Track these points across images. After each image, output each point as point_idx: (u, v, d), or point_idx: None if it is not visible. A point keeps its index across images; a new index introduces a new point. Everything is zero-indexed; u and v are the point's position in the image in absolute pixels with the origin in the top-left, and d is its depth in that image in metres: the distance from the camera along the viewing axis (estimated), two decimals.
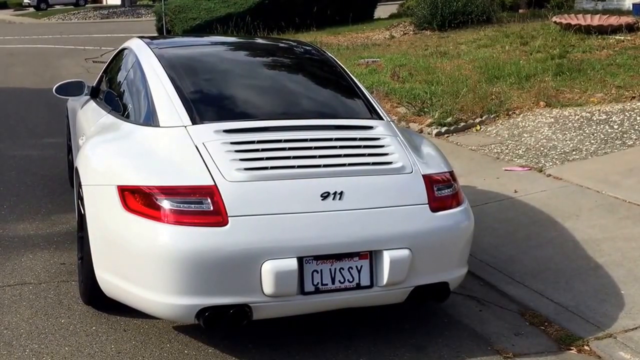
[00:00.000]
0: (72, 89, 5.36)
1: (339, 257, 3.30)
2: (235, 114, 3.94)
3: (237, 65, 4.66)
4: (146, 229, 3.21)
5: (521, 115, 8.39)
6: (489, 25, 15.59)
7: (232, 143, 3.47)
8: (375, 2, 23.31)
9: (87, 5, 53.38)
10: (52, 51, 21.03)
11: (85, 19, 41.74)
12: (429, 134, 8.16)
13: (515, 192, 6.05)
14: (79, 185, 3.92)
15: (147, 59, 4.32)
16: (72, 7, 52.56)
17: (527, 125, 8.04)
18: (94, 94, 5.26)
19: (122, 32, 28.55)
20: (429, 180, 3.60)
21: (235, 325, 3.31)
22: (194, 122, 3.63)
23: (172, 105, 3.78)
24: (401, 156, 3.66)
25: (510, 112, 8.50)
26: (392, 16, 22.79)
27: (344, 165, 3.49)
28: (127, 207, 3.29)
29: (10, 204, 5.92)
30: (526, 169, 6.71)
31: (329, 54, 5.04)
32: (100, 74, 5.60)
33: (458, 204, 3.68)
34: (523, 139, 7.63)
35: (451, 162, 4.08)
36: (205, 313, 3.20)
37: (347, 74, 4.62)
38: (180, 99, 3.81)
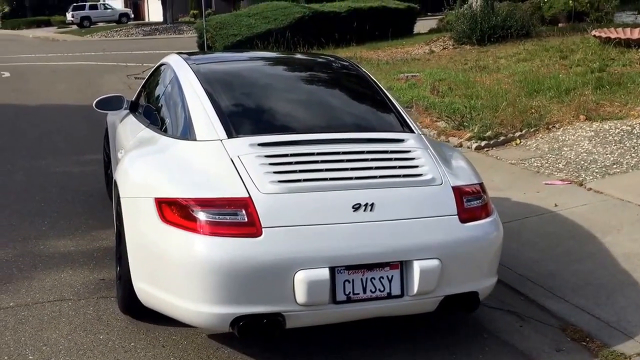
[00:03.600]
0: (112, 103, 5.47)
1: (370, 267, 3.35)
2: (270, 127, 4.00)
3: (272, 80, 4.76)
4: (183, 240, 3.29)
5: (561, 129, 8.27)
6: (529, 40, 15.48)
7: (266, 156, 3.53)
8: (415, 17, 23.32)
9: (129, 23, 54.43)
10: (94, 68, 21.44)
11: (128, 36, 42.49)
12: (468, 147, 8.09)
13: (556, 206, 5.94)
14: (118, 198, 4.01)
15: (184, 74, 4.42)
16: (114, 24, 53.62)
17: (567, 139, 7.92)
18: (133, 108, 5.38)
19: (163, 49, 28.98)
20: (458, 191, 3.64)
21: (269, 334, 3.36)
22: (229, 136, 3.71)
23: (208, 119, 3.86)
24: (431, 168, 3.70)
25: (550, 126, 8.38)
26: (432, 31, 22.74)
27: (375, 177, 3.55)
28: (165, 218, 3.38)
29: (51, 220, 6.02)
30: (566, 182, 6.60)
31: (364, 69, 5.07)
32: (139, 89, 5.77)
33: (487, 215, 3.71)
34: (563, 152, 7.51)
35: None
36: (239, 322, 3.26)
37: (381, 89, 4.66)
38: (217, 113, 3.89)
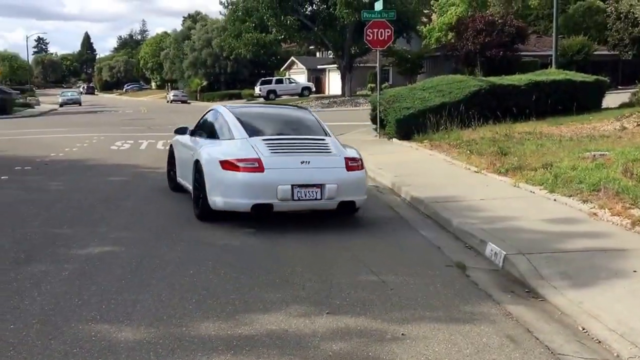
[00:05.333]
0: (182, 130, 10.85)
1: (307, 186, 8.15)
2: (265, 132, 9.02)
3: (267, 114, 10.86)
4: (231, 174, 8.22)
5: None
6: None
7: (265, 143, 8.49)
8: (604, 90, 21.73)
9: (310, 95, 56.41)
10: None
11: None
12: None
13: None
14: (199, 163, 8.95)
15: (225, 112, 9.71)
16: (297, 96, 55.84)
17: None
18: (192, 133, 10.41)
19: (337, 120, 29.35)
20: (346, 159, 8.59)
21: (266, 214, 8.30)
22: (249, 136, 8.73)
23: (239, 130, 8.91)
24: (334, 149, 8.73)
25: None
26: (623, 105, 21.16)
27: (311, 151, 8.58)
28: (223, 167, 8.30)
29: (199, 298, 5.73)
30: None
31: (312, 110, 10.93)
32: (196, 123, 10.73)
33: (360, 169, 8.68)
34: None
35: None
36: (255, 207, 8.10)
37: (318, 119, 9.72)
38: (243, 127, 8.95)
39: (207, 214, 8.66)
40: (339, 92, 53.16)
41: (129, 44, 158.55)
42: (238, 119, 9.19)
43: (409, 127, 17.80)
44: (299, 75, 67.26)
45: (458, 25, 42.88)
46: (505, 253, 6.79)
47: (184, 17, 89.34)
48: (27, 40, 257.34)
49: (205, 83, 77.66)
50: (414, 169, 13.25)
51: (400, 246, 7.65)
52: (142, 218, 9.26)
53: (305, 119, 9.91)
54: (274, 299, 5.74)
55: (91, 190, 11.88)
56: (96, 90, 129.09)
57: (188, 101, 73.41)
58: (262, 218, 8.54)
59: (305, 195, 8.18)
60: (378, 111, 19.71)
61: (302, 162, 8.30)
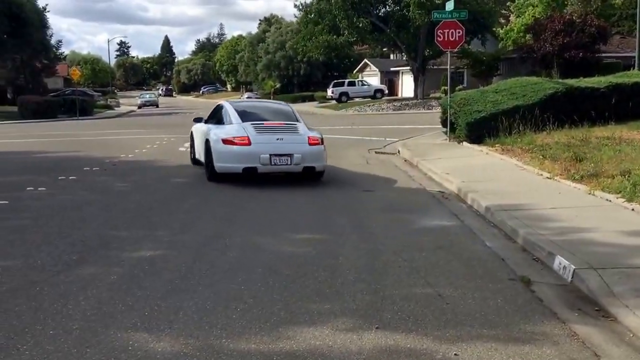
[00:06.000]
0: (199, 120, 14.91)
1: (281, 155, 12.08)
2: (254, 119, 12.94)
3: (256, 107, 15.36)
4: (229, 147, 12.19)
5: None
6: None
7: (252, 126, 12.46)
8: None
9: (382, 98, 55.91)
10: (339, 142, 21.74)
11: (379, 111, 43.44)
12: None
13: None
14: (209, 142, 12.82)
15: (228, 106, 13.81)
16: (369, 99, 55.44)
17: None
18: (206, 121, 14.22)
19: (408, 124, 28.95)
20: (309, 137, 12.49)
21: (253, 175, 12.22)
22: (243, 121, 12.71)
23: (237, 118, 12.92)
24: (302, 131, 12.71)
25: None
26: None
27: (285, 131, 12.65)
28: (224, 143, 12.27)
29: (244, 307, 5.50)
30: None
31: (290, 104, 16.42)
32: (208, 115, 14.63)
33: (319, 144, 12.51)
34: None
35: None
36: (245, 170, 12.11)
37: (293, 110, 14.11)
38: (239, 116, 12.96)
39: (214, 176, 12.67)
40: (411, 94, 52.46)
41: (206, 47, 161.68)
42: (236, 110, 13.46)
43: (480, 130, 17.23)
44: (372, 78, 66.79)
45: (535, 25, 41.54)
46: (574, 267, 6.30)
47: (260, 20, 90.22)
48: (108, 44, 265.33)
49: (278, 85, 78.18)
50: (482, 174, 12.73)
51: (461, 257, 7.22)
52: (197, 221, 9.14)
53: (284, 110, 14.46)
54: (322, 310, 5.46)
55: (152, 191, 11.91)
56: (174, 92, 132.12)
57: None
58: (250, 179, 12.53)
59: (279, 162, 12.17)
60: (448, 114, 19.19)
61: (277, 139, 12.33)
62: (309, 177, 12.69)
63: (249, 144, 12.04)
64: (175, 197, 11.28)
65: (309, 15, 50.73)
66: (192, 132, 15.74)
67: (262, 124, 12.75)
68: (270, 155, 11.99)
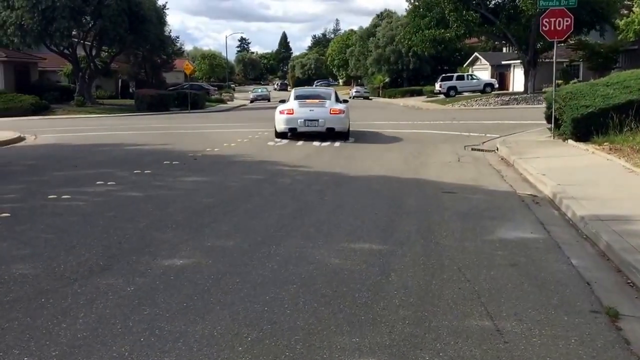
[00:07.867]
0: (282, 102, 22.62)
1: (311, 120, 20.36)
2: (301, 98, 21.97)
3: (308, 92, 25.21)
4: (282, 116, 20.78)
5: None
6: None
7: (297, 102, 21.34)
8: None
9: (492, 92, 53.69)
10: (435, 137, 20.54)
11: (486, 106, 41.56)
12: None
13: None
14: (275, 113, 21.65)
15: (292, 91, 24.07)
16: (478, 93, 53.40)
17: None
18: (280, 102, 22.55)
19: (513, 119, 27.25)
20: (331, 109, 20.73)
21: (294, 133, 20.66)
22: (294, 100, 21.73)
23: (292, 99, 22.02)
24: (328, 105, 21.02)
25: None
26: None
27: (317, 105, 21.12)
28: (280, 113, 20.88)
29: (257, 337, 4.61)
30: None
31: (332, 89, 26.42)
32: (287, 99, 23.28)
33: (338, 114, 20.55)
34: None
35: None
36: (290, 130, 20.68)
37: (331, 93, 23.07)
38: (294, 98, 22.01)
39: (276, 134, 20.73)
40: (522, 89, 49.97)
41: (321, 43, 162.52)
42: (294, 94, 22.41)
43: (587, 127, 15.59)
44: (483, 72, 64.36)
45: None
46: None
47: (377, 14, 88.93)
48: (226, 40, 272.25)
49: (387, 79, 76.96)
50: (583, 177, 11.29)
51: (536, 278, 6.02)
52: (250, 224, 8.34)
53: (325, 92, 23.29)
54: (347, 345, 4.50)
55: (220, 188, 11.28)
56: (289, 87, 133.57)
57: (370, 97, 73.04)
58: (293, 136, 20.52)
59: (311, 125, 19.93)
60: (553, 109, 17.60)
61: (310, 110, 20.24)
62: (332, 136, 20.13)
63: (293, 113, 20.21)
64: (240, 196, 10.56)
65: (417, 9, 49.21)
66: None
67: (305, 101, 21.10)
68: (305, 119, 20.02)
